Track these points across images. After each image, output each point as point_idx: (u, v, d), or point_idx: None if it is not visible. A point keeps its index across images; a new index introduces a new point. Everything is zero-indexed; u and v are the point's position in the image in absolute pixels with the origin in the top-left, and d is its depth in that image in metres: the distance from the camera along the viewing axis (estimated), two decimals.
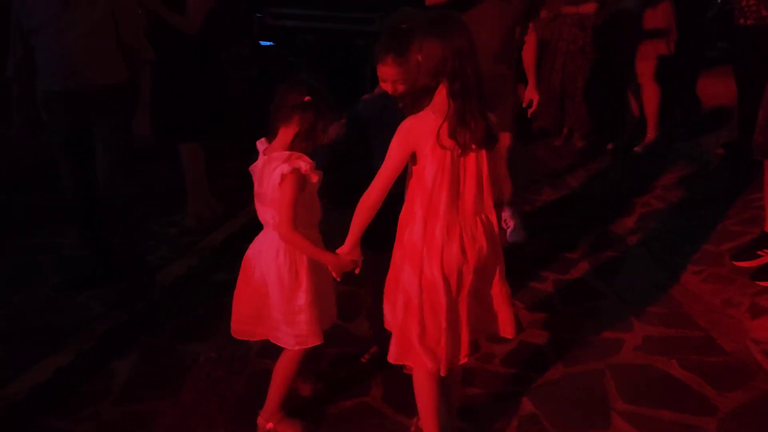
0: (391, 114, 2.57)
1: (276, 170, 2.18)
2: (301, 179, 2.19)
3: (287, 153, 2.22)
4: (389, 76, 2.46)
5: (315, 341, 2.37)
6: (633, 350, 3.03)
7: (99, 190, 3.19)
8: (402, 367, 2.58)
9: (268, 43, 6.69)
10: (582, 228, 4.27)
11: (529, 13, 3.85)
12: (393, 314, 2.21)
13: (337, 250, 2.23)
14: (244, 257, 2.42)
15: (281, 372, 2.45)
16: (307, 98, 2.19)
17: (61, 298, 3.37)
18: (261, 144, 2.34)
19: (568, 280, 3.66)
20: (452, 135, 2.00)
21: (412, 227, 2.12)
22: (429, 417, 2.28)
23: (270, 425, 2.49)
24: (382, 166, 2.09)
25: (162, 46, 3.38)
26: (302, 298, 2.30)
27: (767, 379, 2.78)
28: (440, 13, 2.15)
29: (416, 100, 2.06)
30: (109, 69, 3.11)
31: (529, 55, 3.97)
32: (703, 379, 2.81)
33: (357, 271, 2.28)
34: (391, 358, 2.21)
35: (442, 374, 2.18)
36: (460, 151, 2.03)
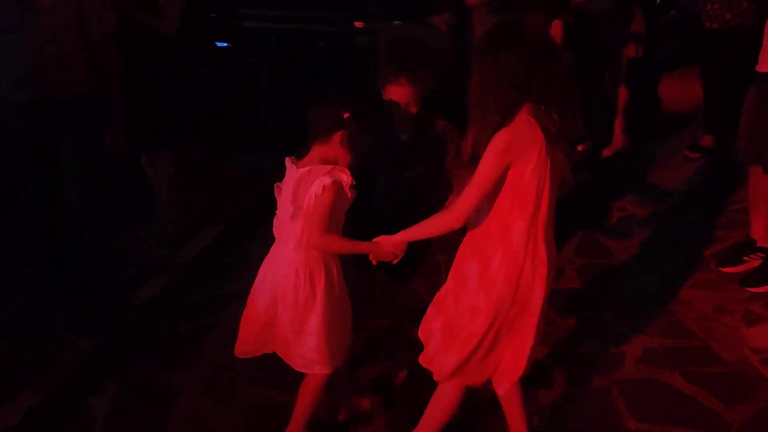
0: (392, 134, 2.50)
1: (317, 181, 2.12)
2: (340, 191, 2.14)
3: (329, 166, 2.15)
4: (403, 98, 2.40)
5: (323, 369, 2.28)
6: (635, 363, 2.97)
7: (69, 205, 2.95)
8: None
9: (224, 45, 6.42)
10: (561, 233, 4.21)
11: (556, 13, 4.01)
12: (467, 335, 2.08)
13: (383, 237, 2.15)
14: (258, 275, 2.34)
15: (304, 396, 2.38)
16: (346, 115, 2.16)
17: (23, 325, 3.09)
18: (291, 161, 2.26)
19: (559, 290, 3.59)
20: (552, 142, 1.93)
21: (510, 238, 1.99)
22: (437, 428, 2.26)
23: None
24: (472, 185, 1.94)
25: (133, 50, 3.15)
26: (314, 320, 2.22)
27: None
28: (508, 20, 2.01)
29: (504, 117, 1.92)
30: (74, 78, 2.89)
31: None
32: (708, 391, 2.77)
33: (395, 262, 2.19)
34: (443, 376, 2.14)
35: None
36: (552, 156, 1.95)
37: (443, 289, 2.19)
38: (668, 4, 7.61)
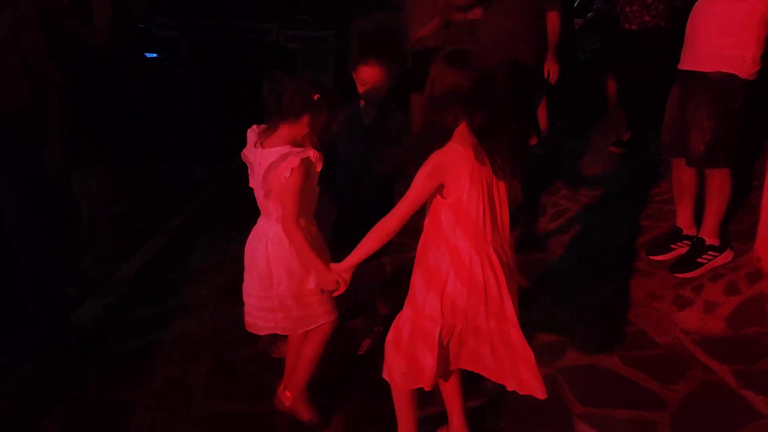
0: (356, 126, 2.77)
1: (284, 163, 2.21)
2: (307, 168, 2.23)
3: (297, 149, 2.24)
4: (371, 79, 2.62)
5: (330, 317, 2.46)
6: (577, 351, 3.11)
7: (5, 226, 2.84)
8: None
9: (153, 55, 6.32)
10: None
11: None
12: (413, 341, 2.20)
13: (332, 264, 2.24)
14: (246, 249, 2.46)
15: (310, 351, 2.51)
16: (317, 96, 2.24)
17: None
18: (253, 132, 2.35)
19: None
20: (492, 163, 2.05)
21: (459, 263, 2.10)
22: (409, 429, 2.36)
23: (289, 400, 2.58)
24: (406, 197, 2.08)
25: (65, 63, 3.08)
26: (312, 282, 2.35)
27: (703, 368, 2.95)
28: (458, 49, 2.13)
29: (436, 136, 2.06)
30: (11, 94, 2.78)
31: (549, 26, 4.08)
32: (645, 373, 2.93)
33: (336, 294, 2.30)
34: (395, 380, 2.25)
35: (427, 389, 2.24)
36: (494, 180, 2.07)
37: (400, 315, 2.27)
38: (585, 6, 7.91)
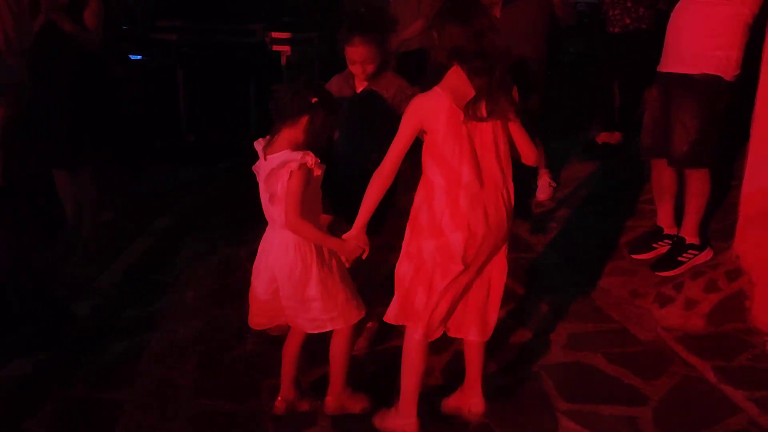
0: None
1: (284, 168, 2.27)
2: (307, 173, 2.28)
3: (296, 153, 2.29)
4: (358, 57, 2.72)
5: (335, 325, 2.48)
6: (561, 349, 3.16)
7: None
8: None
9: (137, 57, 6.30)
10: None
11: None
12: (401, 278, 2.37)
13: (344, 235, 2.37)
14: (257, 255, 2.52)
15: (337, 352, 2.57)
16: (314, 99, 2.30)
17: None
18: (259, 144, 2.40)
19: None
20: (467, 109, 2.19)
21: (432, 197, 2.29)
22: (411, 382, 2.45)
23: (332, 404, 2.64)
24: (394, 140, 2.28)
25: (51, 64, 3.07)
26: (313, 289, 2.40)
27: (684, 364, 3.01)
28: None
29: (432, 76, 2.27)
30: None
31: None
32: (628, 370, 2.98)
33: (364, 256, 2.41)
34: (390, 318, 2.45)
35: (431, 339, 2.43)
36: (475, 123, 2.22)
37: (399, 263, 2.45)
38: None
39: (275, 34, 6.09)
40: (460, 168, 2.24)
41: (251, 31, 6.00)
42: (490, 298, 2.50)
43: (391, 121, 2.80)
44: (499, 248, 2.42)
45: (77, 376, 2.93)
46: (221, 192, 5.09)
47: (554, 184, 4.86)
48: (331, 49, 5.81)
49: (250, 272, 2.56)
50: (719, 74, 3.30)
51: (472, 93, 2.22)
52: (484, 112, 2.22)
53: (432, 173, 2.30)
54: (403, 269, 2.40)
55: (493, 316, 2.53)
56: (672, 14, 3.49)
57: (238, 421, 2.66)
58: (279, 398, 2.66)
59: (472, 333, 2.52)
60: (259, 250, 2.51)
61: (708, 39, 3.29)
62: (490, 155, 2.28)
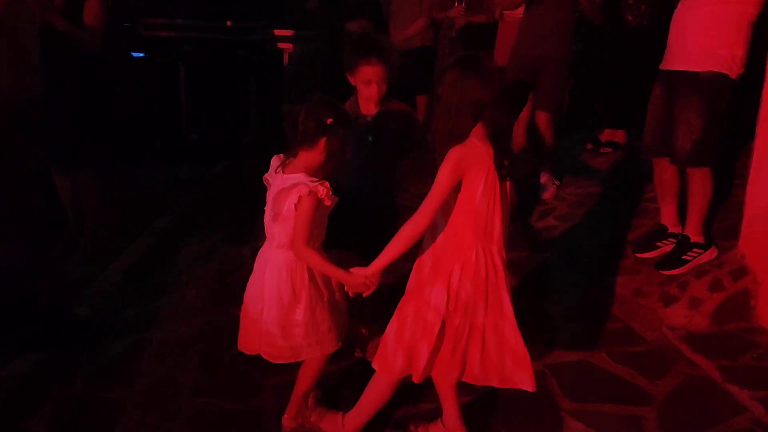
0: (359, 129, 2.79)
1: (294, 190, 2.20)
2: (317, 202, 2.21)
3: (309, 178, 2.23)
4: (375, 76, 2.66)
5: (312, 353, 2.40)
6: (565, 348, 3.14)
7: None
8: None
9: (140, 55, 6.28)
10: None
11: None
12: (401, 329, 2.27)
13: (356, 270, 2.26)
14: (253, 271, 2.45)
15: (306, 377, 2.50)
16: (329, 120, 2.22)
17: None
18: (277, 159, 2.35)
19: None
20: (499, 162, 2.14)
21: (467, 255, 2.19)
22: (370, 413, 2.45)
23: (289, 423, 2.55)
24: (432, 193, 2.15)
25: (65, 63, 3.06)
26: (300, 314, 2.33)
27: (688, 363, 2.99)
28: (472, 54, 2.29)
29: (451, 139, 2.15)
30: None
31: None
32: (632, 369, 2.97)
33: (366, 294, 2.31)
34: (420, 378, 2.30)
35: (416, 380, 2.30)
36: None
37: (402, 306, 2.33)
38: None
39: (277, 32, 6.07)
40: (493, 225, 2.19)
41: (253, 28, 5.97)
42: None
43: (400, 147, 2.86)
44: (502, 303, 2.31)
45: (77, 376, 2.90)
46: (222, 191, 5.07)
47: (557, 183, 4.84)
48: (332, 48, 5.81)
49: (251, 271, 2.54)
50: (725, 72, 3.28)
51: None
52: (509, 166, 2.21)
53: (463, 231, 2.21)
54: (410, 322, 2.28)
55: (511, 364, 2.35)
56: (675, 12, 3.47)
57: (239, 421, 2.64)
58: (286, 416, 2.58)
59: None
60: (254, 267, 2.44)
61: (714, 37, 3.27)
62: (506, 210, 2.25)
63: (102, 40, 3.51)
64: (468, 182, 2.16)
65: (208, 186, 5.15)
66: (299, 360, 2.43)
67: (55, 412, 2.69)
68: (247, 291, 2.44)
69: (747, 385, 2.76)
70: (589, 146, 5.49)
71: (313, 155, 2.27)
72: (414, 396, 2.70)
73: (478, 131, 2.16)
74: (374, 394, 2.42)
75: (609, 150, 5.34)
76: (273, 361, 2.41)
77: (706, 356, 2.97)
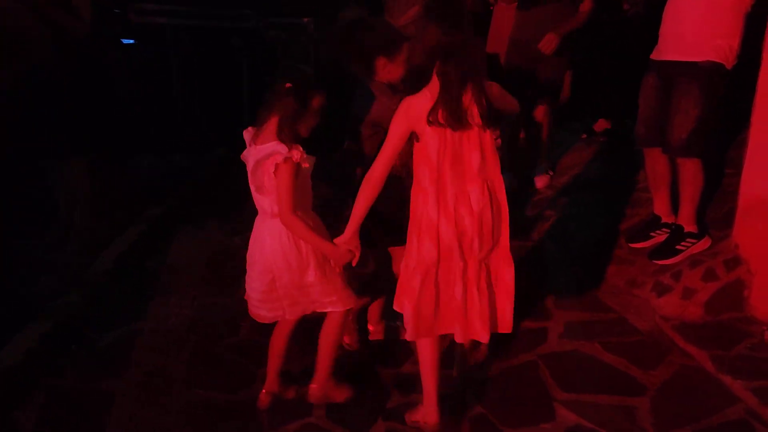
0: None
1: (269, 159, 2.24)
2: (295, 167, 2.25)
3: (278, 143, 2.25)
4: (403, 66, 2.60)
5: (336, 307, 2.48)
6: (558, 338, 3.14)
7: None
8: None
9: (130, 42, 6.20)
10: None
11: None
12: (409, 293, 2.33)
13: (336, 239, 2.33)
14: (249, 246, 2.49)
15: (326, 341, 2.55)
16: (288, 85, 2.26)
17: None
18: (248, 133, 2.37)
19: None
20: (445, 113, 2.16)
21: (426, 202, 2.27)
22: (431, 383, 2.46)
23: (317, 392, 2.60)
24: (384, 143, 2.23)
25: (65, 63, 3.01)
26: (311, 275, 2.40)
27: (682, 354, 2.99)
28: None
29: (414, 80, 2.26)
30: None
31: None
32: (626, 359, 2.96)
33: (354, 263, 2.37)
34: (410, 336, 2.37)
35: (459, 341, 2.42)
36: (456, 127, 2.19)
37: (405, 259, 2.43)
38: None
39: (270, 19, 6.01)
40: (445, 171, 2.23)
41: (246, 15, 5.90)
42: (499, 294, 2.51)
43: None
44: (495, 240, 2.44)
45: (67, 366, 2.88)
46: (214, 180, 5.03)
47: (551, 173, 4.82)
48: (324, 35, 5.76)
49: (243, 260, 2.52)
50: (722, 62, 3.26)
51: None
52: (440, 119, 2.19)
53: (422, 179, 2.29)
54: (405, 286, 2.39)
55: (504, 312, 2.51)
56: (669, 2, 3.44)
57: (232, 411, 2.63)
58: (263, 391, 2.63)
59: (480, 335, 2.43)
60: (251, 241, 2.48)
61: (711, 27, 3.24)
62: (476, 155, 2.25)
63: (90, 26, 3.45)
64: (420, 133, 2.22)
65: (201, 175, 5.11)
66: (325, 310, 2.49)
67: (45, 402, 2.66)
68: (249, 267, 2.47)
69: (740, 375, 2.75)
70: (584, 136, 5.48)
71: (276, 120, 2.29)
72: (406, 388, 2.73)
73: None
74: (425, 363, 2.46)
75: (604, 140, 5.33)
76: (295, 318, 2.50)
77: (699, 346, 2.97)
